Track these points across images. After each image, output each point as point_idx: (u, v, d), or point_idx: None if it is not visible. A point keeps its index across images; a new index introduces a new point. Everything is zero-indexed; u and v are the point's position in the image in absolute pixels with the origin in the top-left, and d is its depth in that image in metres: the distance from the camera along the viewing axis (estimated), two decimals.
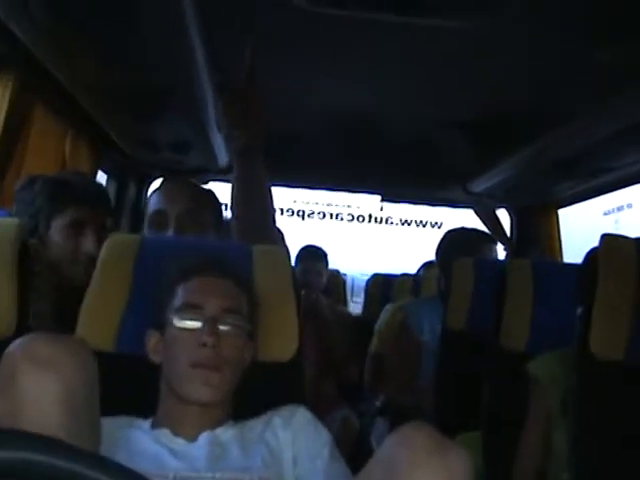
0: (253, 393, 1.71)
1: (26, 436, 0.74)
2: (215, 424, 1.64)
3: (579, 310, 1.97)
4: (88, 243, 2.23)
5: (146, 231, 2.36)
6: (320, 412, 1.74)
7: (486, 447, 2.55)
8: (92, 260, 2.11)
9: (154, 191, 2.48)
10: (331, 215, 7.76)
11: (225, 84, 2.20)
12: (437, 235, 3.90)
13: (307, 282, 4.30)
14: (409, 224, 7.87)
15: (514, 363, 2.37)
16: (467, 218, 4.88)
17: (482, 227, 4.50)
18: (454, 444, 1.11)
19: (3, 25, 2.04)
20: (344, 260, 6.81)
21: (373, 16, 1.96)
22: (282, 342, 1.85)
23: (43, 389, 1.14)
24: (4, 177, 2.40)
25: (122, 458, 1.49)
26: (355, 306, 6.36)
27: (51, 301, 2.18)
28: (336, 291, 5.67)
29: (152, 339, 1.70)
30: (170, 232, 2.29)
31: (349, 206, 7.78)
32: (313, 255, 4.62)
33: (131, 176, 4.17)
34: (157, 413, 1.68)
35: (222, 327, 1.63)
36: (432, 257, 4.05)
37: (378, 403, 3.85)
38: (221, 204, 2.52)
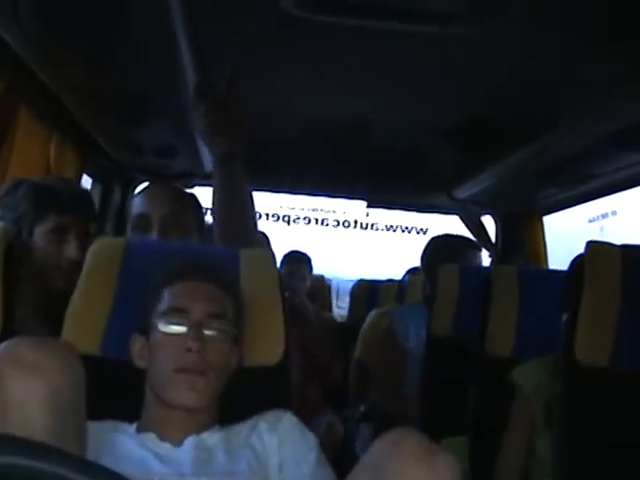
0: (239, 397, 1.70)
1: (11, 440, 0.73)
2: (201, 429, 1.63)
3: (564, 317, 1.98)
4: (71, 249, 2.21)
5: (129, 234, 2.35)
6: (305, 417, 1.74)
7: (472, 452, 2.56)
8: (75, 266, 2.10)
9: (137, 194, 2.48)
10: (317, 220, 7.76)
11: (209, 90, 2.19)
12: (422, 241, 3.90)
13: (291, 286, 4.31)
14: (394, 230, 7.87)
15: (499, 369, 2.37)
16: (452, 224, 4.89)
17: (467, 233, 4.51)
18: (441, 449, 1.11)
19: None
20: (329, 265, 6.81)
21: (360, 23, 1.96)
22: (269, 346, 1.85)
23: (29, 393, 1.14)
24: None
25: (107, 462, 1.48)
26: (340, 311, 6.36)
27: (35, 306, 2.17)
28: (321, 296, 5.67)
29: (137, 344, 1.70)
30: (154, 235, 2.29)
31: (334, 212, 7.78)
32: (297, 259, 4.65)
33: (116, 180, 4.15)
34: (142, 417, 1.67)
35: (207, 332, 1.62)
36: (417, 263, 4.05)
37: (363, 409, 3.84)
38: (202, 207, 2.52)
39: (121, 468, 1.49)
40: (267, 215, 7.28)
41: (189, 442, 1.60)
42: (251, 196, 2.22)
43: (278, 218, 7.48)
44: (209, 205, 2.26)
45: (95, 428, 1.49)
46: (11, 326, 1.83)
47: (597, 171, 3.10)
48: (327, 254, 7.02)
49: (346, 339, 4.64)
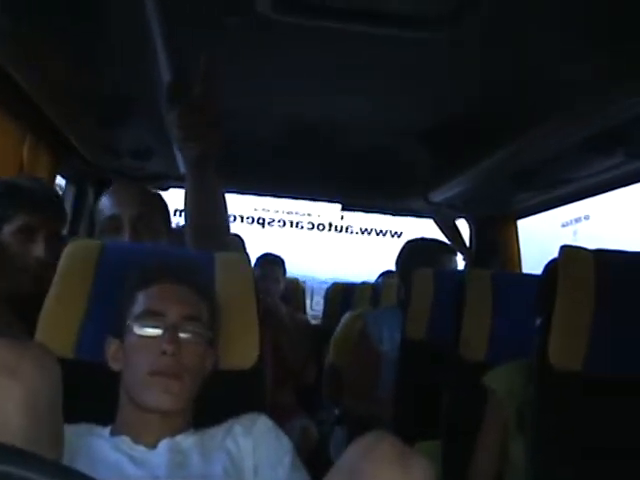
0: (214, 401, 1.70)
1: None
2: (175, 432, 1.63)
3: (538, 321, 1.99)
4: (38, 249, 2.19)
5: (98, 236, 2.33)
6: (279, 420, 1.74)
7: (445, 456, 2.57)
8: (43, 267, 2.09)
9: (104, 196, 2.46)
10: (291, 223, 7.74)
11: (183, 93, 2.18)
12: (397, 244, 3.91)
13: (264, 289, 4.30)
14: (369, 233, 7.88)
15: (473, 373, 2.38)
16: (427, 228, 4.90)
17: (442, 237, 4.52)
18: (416, 453, 1.11)
19: None
20: (304, 268, 6.81)
21: (336, 26, 1.96)
22: (243, 349, 1.84)
23: (4, 395, 1.12)
24: None
25: (82, 466, 1.48)
26: (314, 314, 6.37)
27: (6, 305, 2.15)
28: (295, 299, 5.67)
29: (112, 346, 1.69)
30: (126, 237, 2.27)
31: (309, 214, 7.77)
32: (270, 262, 4.65)
33: (90, 182, 4.13)
34: (116, 420, 1.66)
35: (183, 335, 1.62)
36: (392, 266, 4.06)
37: (337, 412, 3.85)
38: (168, 208, 2.51)
39: (95, 472, 1.49)
40: (242, 218, 7.26)
41: (163, 445, 1.60)
42: (224, 199, 2.22)
43: (253, 221, 7.46)
44: (182, 207, 2.25)
45: (69, 431, 1.48)
46: None
47: (571, 175, 3.12)
48: (302, 256, 7.02)
49: (320, 341, 4.65)
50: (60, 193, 3.56)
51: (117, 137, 3.33)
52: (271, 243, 6.16)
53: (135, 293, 1.67)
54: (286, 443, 1.65)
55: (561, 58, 2.07)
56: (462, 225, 4.74)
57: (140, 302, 1.66)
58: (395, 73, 2.35)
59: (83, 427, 1.62)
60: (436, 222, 4.77)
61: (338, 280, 6.01)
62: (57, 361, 1.24)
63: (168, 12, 1.90)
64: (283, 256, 4.77)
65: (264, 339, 1.88)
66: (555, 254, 2.00)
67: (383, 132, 3.13)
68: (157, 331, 1.61)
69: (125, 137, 3.34)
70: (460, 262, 4.20)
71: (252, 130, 3.18)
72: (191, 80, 2.08)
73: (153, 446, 1.59)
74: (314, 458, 3.50)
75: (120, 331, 1.66)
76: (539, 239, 4.94)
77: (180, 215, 5.05)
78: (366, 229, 7.87)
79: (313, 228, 7.80)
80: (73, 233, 3.73)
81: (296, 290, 5.76)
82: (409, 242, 3.79)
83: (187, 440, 1.62)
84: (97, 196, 4.20)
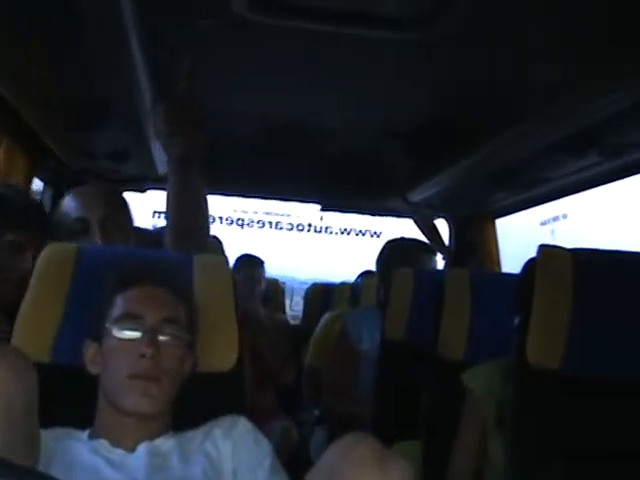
0: (193, 403, 1.69)
1: None
2: (154, 435, 1.62)
3: (516, 320, 1.99)
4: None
5: (64, 239, 2.30)
6: (258, 422, 1.73)
7: (425, 456, 2.57)
8: (27, 277, 2.07)
9: (66, 198, 2.44)
10: (270, 224, 7.75)
11: (165, 92, 2.17)
12: (376, 244, 3.91)
13: (248, 290, 4.30)
14: (348, 233, 7.89)
15: (452, 373, 2.39)
16: (406, 227, 4.91)
17: (421, 237, 4.53)
18: (395, 455, 1.11)
19: None
20: (283, 268, 6.81)
21: (312, 26, 1.96)
22: (222, 352, 1.84)
23: None
24: None
25: (59, 470, 1.47)
26: (293, 314, 6.37)
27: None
28: (274, 299, 5.67)
29: (90, 350, 1.68)
30: (96, 239, 2.26)
31: (289, 215, 7.77)
32: (251, 263, 4.63)
33: (67, 184, 4.10)
34: (95, 424, 1.66)
35: (161, 337, 1.61)
36: (371, 266, 4.06)
37: (317, 412, 3.84)
38: (130, 206, 2.50)
39: (73, 475, 1.49)
40: (221, 219, 7.25)
41: (142, 448, 1.59)
42: (206, 201, 2.21)
43: (232, 222, 7.45)
44: (160, 209, 2.24)
45: (47, 436, 1.48)
46: None
47: (548, 175, 3.14)
48: (281, 257, 7.02)
49: (300, 342, 4.65)
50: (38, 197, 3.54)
51: (94, 139, 3.32)
52: (250, 244, 6.16)
53: (113, 296, 1.67)
54: (266, 445, 1.64)
55: (537, 59, 2.09)
56: (441, 225, 4.76)
57: (118, 305, 1.65)
58: (372, 73, 2.36)
59: (61, 431, 1.61)
60: (415, 222, 4.77)
61: (318, 281, 6.01)
62: (33, 366, 1.24)
63: (144, 13, 1.90)
64: (262, 257, 4.76)
65: (243, 341, 1.87)
66: (534, 253, 2.01)
67: (361, 132, 3.13)
68: (136, 334, 1.60)
69: (102, 139, 3.33)
70: (440, 262, 4.20)
71: (230, 130, 3.18)
72: (173, 79, 2.08)
73: (132, 449, 1.58)
74: (294, 459, 3.50)
75: (98, 334, 1.65)
76: (518, 238, 4.96)
77: (159, 217, 5.04)
78: (345, 229, 7.89)
79: (292, 229, 7.81)
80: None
81: (275, 291, 5.77)
82: (389, 242, 3.79)
83: (166, 443, 1.62)
84: None
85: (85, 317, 1.72)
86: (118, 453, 1.58)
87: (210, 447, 1.61)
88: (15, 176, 3.02)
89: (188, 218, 2.17)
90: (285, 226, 7.78)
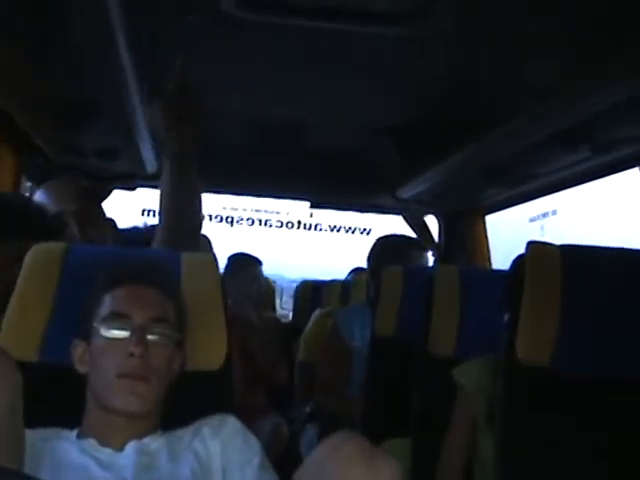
0: (182, 402, 1.69)
1: None
2: (143, 434, 1.62)
3: (506, 316, 1.99)
4: None
5: None
6: (248, 420, 1.73)
7: (415, 453, 2.57)
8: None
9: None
10: (260, 221, 7.74)
11: (156, 89, 2.17)
12: (366, 241, 3.91)
13: (243, 294, 4.27)
14: (338, 230, 7.88)
15: (442, 369, 2.39)
16: (396, 224, 4.91)
17: (411, 233, 4.53)
18: (384, 453, 1.11)
19: None
20: (273, 266, 6.80)
21: (301, 24, 1.96)
22: (211, 350, 1.83)
23: None
24: None
25: (47, 471, 1.47)
26: (284, 312, 6.37)
27: None
28: (265, 298, 5.66)
29: (78, 349, 1.67)
30: (75, 233, 2.25)
31: (278, 212, 7.76)
32: (251, 263, 4.59)
33: None
34: (83, 423, 1.65)
35: (150, 336, 1.61)
36: (361, 263, 4.06)
37: (308, 409, 3.84)
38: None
39: (61, 475, 1.49)
40: (210, 216, 7.24)
41: (131, 447, 1.59)
42: (200, 199, 2.21)
43: (221, 219, 7.44)
44: (149, 207, 2.24)
45: (35, 436, 1.47)
46: None
47: (538, 171, 3.14)
48: (271, 255, 7.01)
49: (290, 340, 4.64)
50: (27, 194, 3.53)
51: (82, 138, 3.30)
52: (240, 242, 6.15)
53: (101, 295, 1.66)
54: (255, 444, 1.64)
55: (528, 56, 2.09)
56: (431, 221, 4.76)
57: (106, 304, 1.64)
58: (362, 70, 2.36)
59: (49, 431, 1.61)
60: (405, 218, 4.78)
61: (307, 278, 6.00)
62: (17, 365, 1.23)
63: (132, 12, 1.89)
64: (253, 255, 4.74)
65: (232, 340, 1.87)
66: (523, 249, 2.01)
67: (351, 129, 3.13)
68: (124, 333, 1.60)
69: (90, 137, 3.31)
70: (431, 258, 4.20)
71: (220, 128, 3.17)
72: (161, 78, 2.08)
73: (120, 448, 1.58)
74: (285, 456, 3.50)
75: (86, 333, 1.65)
76: (507, 234, 4.97)
77: (148, 215, 5.02)
78: (335, 226, 7.88)
79: (282, 226, 7.80)
80: None
81: (266, 289, 5.75)
82: (380, 239, 3.79)
83: (155, 442, 1.61)
84: None
85: (73, 316, 1.71)
86: (106, 452, 1.57)
87: (199, 446, 1.61)
88: (3, 174, 3.01)
89: (184, 215, 2.16)
90: (275, 223, 7.77)
